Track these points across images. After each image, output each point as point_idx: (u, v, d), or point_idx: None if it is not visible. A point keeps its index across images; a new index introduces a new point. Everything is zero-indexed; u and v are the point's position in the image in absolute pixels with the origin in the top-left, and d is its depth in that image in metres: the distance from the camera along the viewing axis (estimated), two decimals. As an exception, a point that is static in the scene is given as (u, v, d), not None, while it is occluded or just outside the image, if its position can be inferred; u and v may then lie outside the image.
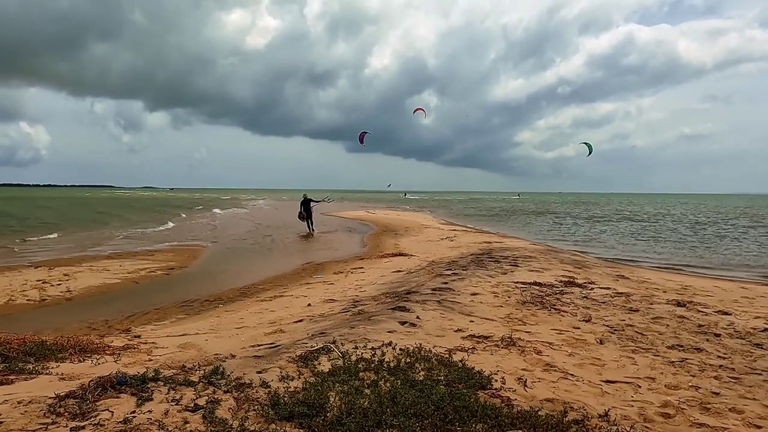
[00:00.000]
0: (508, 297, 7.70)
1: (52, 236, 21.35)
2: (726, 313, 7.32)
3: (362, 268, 12.67)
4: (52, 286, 10.64)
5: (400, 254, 14.95)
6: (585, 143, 27.42)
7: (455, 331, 5.61)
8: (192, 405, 3.34)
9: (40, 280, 11.07)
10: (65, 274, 11.85)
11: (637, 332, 6.06)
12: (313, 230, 23.78)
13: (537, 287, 8.59)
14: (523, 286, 8.64)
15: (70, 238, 21.22)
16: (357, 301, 7.87)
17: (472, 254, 13.61)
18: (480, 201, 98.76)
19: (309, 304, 8.24)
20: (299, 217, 24.58)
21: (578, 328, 6.15)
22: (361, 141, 26.96)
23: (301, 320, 6.90)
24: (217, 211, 46.56)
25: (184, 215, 39.49)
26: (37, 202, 59.35)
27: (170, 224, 29.56)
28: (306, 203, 24.22)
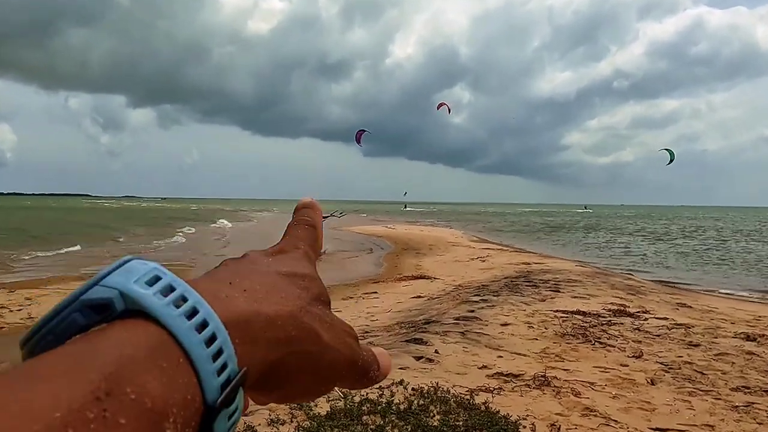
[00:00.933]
0: (545, 328, 7.67)
1: (47, 254, 21.97)
2: (806, 350, 7.19)
3: (376, 292, 12.70)
4: (11, 311, 10.83)
5: (422, 277, 14.96)
6: (666, 149, 27.56)
7: (480, 368, 5.61)
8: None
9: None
10: (27, 298, 12.07)
11: (696, 371, 5.99)
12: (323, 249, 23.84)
13: (580, 317, 8.54)
14: (563, 315, 8.60)
15: (68, 255, 21.90)
16: (367, 332, 7.90)
17: (506, 277, 13.57)
18: (520, 215, 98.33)
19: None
20: None
21: (626, 365, 6.10)
22: (358, 141, 27.14)
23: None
24: (224, 222, 47.54)
25: (190, 229, 40.15)
26: (13, 214, 60.65)
27: (179, 239, 30.36)
28: None
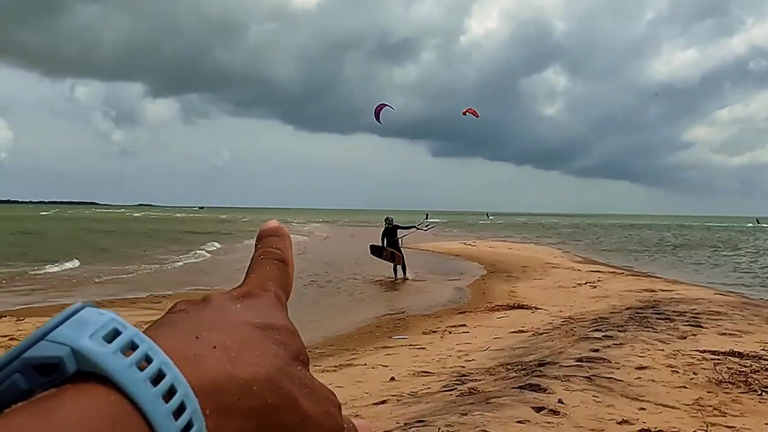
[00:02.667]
0: (694, 373, 7.44)
1: (70, 265, 23.07)
2: None
3: (465, 325, 12.65)
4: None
5: (519, 306, 14.82)
6: None
7: (619, 423, 5.48)
8: None
9: (6, 336, 11.67)
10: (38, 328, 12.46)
11: None
12: (405, 276, 22.32)
13: (736, 359, 8.24)
14: (714, 357, 8.32)
15: (96, 269, 23.14)
16: (464, 375, 7.85)
17: (628, 308, 13.28)
18: (631, 228, 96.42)
19: (392, 378, 8.29)
20: (374, 252, 23.29)
21: (810, 423, 5.84)
22: (377, 117, 26.75)
23: (383, 401, 6.95)
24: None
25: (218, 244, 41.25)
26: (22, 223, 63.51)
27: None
28: (390, 233, 23.03)
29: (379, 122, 26.90)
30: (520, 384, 6.63)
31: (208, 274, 24.13)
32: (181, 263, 28.72)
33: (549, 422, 5.40)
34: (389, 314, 14.81)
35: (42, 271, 23.39)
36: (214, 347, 0.46)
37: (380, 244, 23.09)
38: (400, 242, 23.21)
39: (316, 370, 8.64)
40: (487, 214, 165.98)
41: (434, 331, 12.22)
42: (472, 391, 6.77)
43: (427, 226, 29.98)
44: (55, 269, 23.94)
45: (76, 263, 25.71)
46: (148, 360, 0.41)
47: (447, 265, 28.03)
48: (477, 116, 28.06)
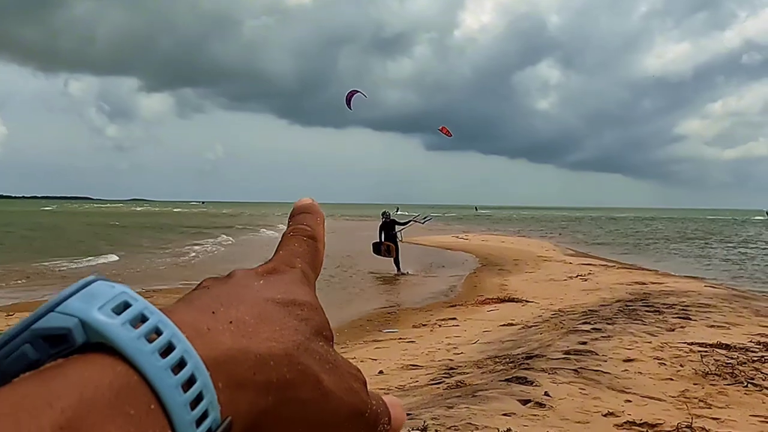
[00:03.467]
0: (681, 365, 7.46)
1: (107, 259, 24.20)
2: None
3: (455, 318, 12.66)
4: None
5: (510, 299, 14.85)
6: None
7: (605, 416, 5.50)
8: None
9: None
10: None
11: None
12: (401, 270, 22.01)
13: (723, 351, 8.28)
14: (701, 349, 8.35)
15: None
16: (452, 368, 7.87)
17: (618, 300, 13.32)
18: (623, 222, 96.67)
19: (381, 372, 8.31)
20: (375, 250, 22.82)
21: (794, 415, 5.87)
22: (348, 104, 26.60)
23: (372, 394, 6.95)
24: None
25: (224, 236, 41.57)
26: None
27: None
28: (388, 227, 22.79)
29: (350, 108, 26.73)
30: (507, 377, 6.64)
31: (233, 263, 24.38)
32: (208, 251, 30.67)
33: (535, 415, 5.41)
34: (381, 308, 14.83)
35: (84, 265, 24.35)
36: (230, 322, 0.46)
37: (378, 240, 22.86)
38: (399, 236, 23.02)
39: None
40: (475, 208, 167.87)
41: (424, 325, 12.24)
42: (459, 384, 6.79)
43: (425, 218, 29.83)
44: (99, 261, 25.33)
45: (113, 257, 26.69)
46: (158, 332, 0.41)
47: (439, 258, 28.02)
48: (450, 135, 28.33)
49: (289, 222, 0.62)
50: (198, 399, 0.41)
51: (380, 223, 23.01)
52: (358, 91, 26.96)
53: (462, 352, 9.10)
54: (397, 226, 23.05)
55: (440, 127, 29.06)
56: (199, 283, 0.52)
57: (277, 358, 0.46)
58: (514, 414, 5.37)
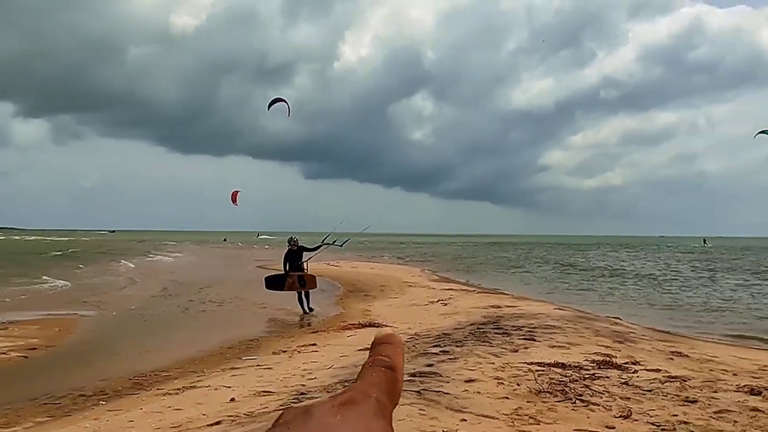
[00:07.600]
0: (518, 384, 7.72)
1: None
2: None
3: (315, 344, 12.64)
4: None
5: (371, 324, 14.98)
6: (765, 131, 28.63)
7: (438, 435, 5.60)
8: None
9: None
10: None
11: (693, 432, 6.13)
12: (309, 308, 18.85)
13: (559, 370, 8.63)
14: (539, 368, 8.67)
15: None
16: (302, 393, 7.85)
17: (472, 324, 13.66)
18: (488, 247, 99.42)
19: (232, 399, 8.18)
20: (271, 285, 19.82)
21: (612, 427, 6.19)
22: (269, 106, 27.23)
23: (218, 422, 6.84)
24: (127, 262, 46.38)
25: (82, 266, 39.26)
26: None
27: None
28: (295, 255, 19.28)
29: (268, 109, 27.24)
30: (351, 400, 6.68)
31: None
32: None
33: (371, 436, 5.46)
34: (244, 336, 14.60)
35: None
36: None
37: (281, 272, 19.42)
38: (305, 266, 19.34)
39: (158, 394, 8.39)
40: (258, 234, 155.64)
41: (284, 351, 12.15)
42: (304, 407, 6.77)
43: (345, 241, 21.80)
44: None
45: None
46: None
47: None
48: (236, 204, 29.96)
49: (370, 352, 0.63)
50: None
51: (285, 252, 19.53)
52: (281, 100, 27.41)
53: (315, 377, 9.07)
54: (305, 254, 19.44)
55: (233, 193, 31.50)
56: (280, 414, 0.53)
57: None
58: (352, 436, 5.41)
